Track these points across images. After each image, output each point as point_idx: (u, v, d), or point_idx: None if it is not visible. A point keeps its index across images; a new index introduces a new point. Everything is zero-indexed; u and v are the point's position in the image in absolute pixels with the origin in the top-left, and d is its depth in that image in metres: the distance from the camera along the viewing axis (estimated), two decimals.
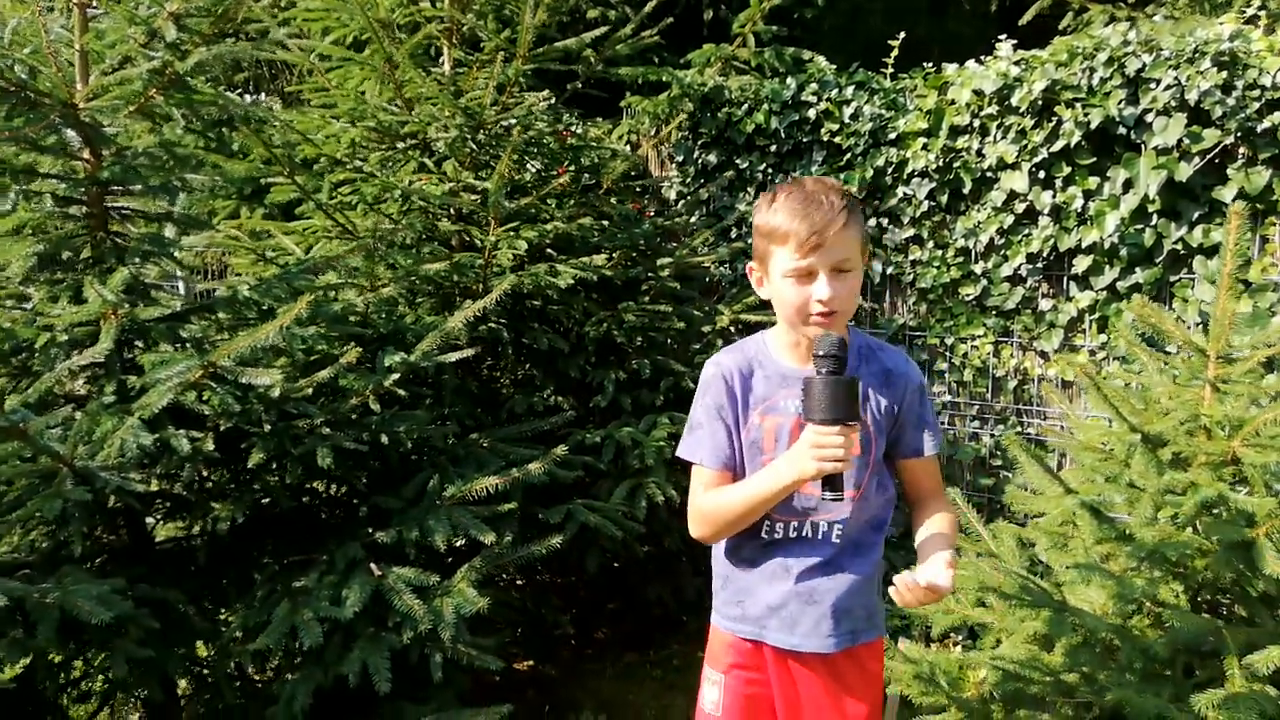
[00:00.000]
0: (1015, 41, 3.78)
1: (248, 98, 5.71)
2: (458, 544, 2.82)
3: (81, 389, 2.62)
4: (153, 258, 2.78)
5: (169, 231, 2.88)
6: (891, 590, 1.58)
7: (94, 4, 2.76)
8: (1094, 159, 3.49)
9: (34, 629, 2.02)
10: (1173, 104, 3.30)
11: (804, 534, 1.76)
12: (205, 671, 2.64)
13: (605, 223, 3.78)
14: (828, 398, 1.56)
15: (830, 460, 1.56)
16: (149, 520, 2.79)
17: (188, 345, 2.56)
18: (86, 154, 2.63)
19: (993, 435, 3.88)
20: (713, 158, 4.42)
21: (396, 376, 2.71)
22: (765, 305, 3.63)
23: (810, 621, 1.76)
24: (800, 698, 1.80)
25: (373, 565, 2.52)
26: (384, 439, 2.71)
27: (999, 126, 3.68)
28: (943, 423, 4.02)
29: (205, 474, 2.73)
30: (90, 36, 2.64)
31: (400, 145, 3.74)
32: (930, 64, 3.97)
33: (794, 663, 1.79)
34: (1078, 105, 3.48)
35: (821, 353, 1.58)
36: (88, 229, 2.68)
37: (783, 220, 1.66)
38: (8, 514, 2.24)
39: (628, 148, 4.53)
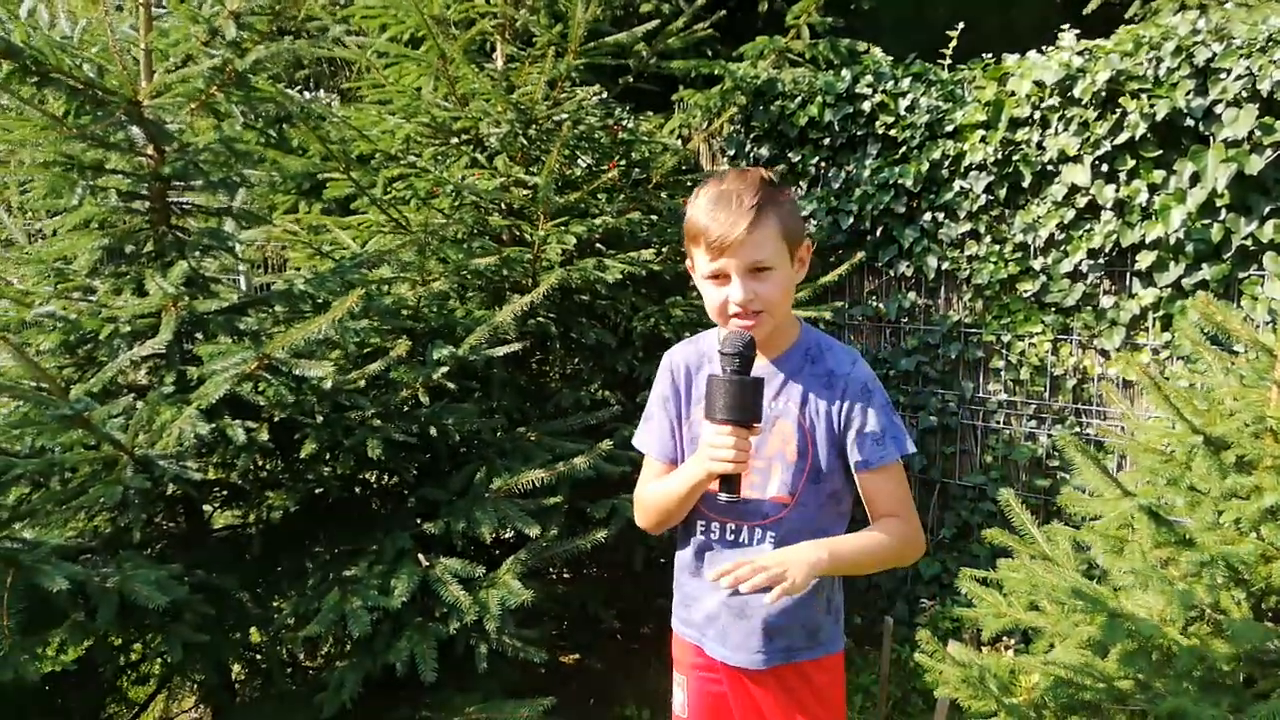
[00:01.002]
0: (1079, 31, 3.67)
1: (308, 94, 5.82)
2: (506, 536, 2.85)
3: (143, 379, 2.70)
4: (212, 251, 2.85)
5: (229, 226, 2.95)
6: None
7: (159, 4, 2.84)
8: (1159, 152, 3.38)
9: (94, 612, 2.08)
10: (1244, 95, 3.18)
11: (739, 540, 1.71)
12: (258, 657, 2.71)
13: (654, 217, 3.77)
14: (724, 398, 1.53)
15: (721, 461, 1.53)
16: (207, 508, 2.87)
17: (245, 337, 2.62)
18: (150, 150, 2.70)
19: (1050, 435, 3.79)
20: (765, 151, 4.38)
21: (445, 370, 2.74)
22: (815, 300, 3.60)
23: (740, 635, 1.74)
24: (750, 704, 1.79)
25: (420, 556, 2.55)
26: (433, 431, 2.74)
27: (1060, 118, 3.58)
28: (998, 421, 3.93)
29: (260, 463, 2.80)
30: (154, 35, 2.71)
31: (453, 140, 3.78)
32: (990, 55, 3.88)
33: (739, 673, 1.78)
34: (1143, 96, 3.37)
35: (727, 350, 1.55)
36: (150, 223, 2.76)
37: (696, 218, 1.62)
38: (71, 500, 2.32)
39: (679, 142, 4.51)
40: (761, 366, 1.69)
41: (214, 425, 2.36)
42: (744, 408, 1.53)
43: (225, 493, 2.84)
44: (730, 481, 1.57)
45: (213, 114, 2.77)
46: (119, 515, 2.48)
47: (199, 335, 2.70)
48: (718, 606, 1.75)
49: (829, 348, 1.73)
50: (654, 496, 1.75)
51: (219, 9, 2.68)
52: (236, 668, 2.81)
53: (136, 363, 2.56)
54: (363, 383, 2.63)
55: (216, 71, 2.63)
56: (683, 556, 1.81)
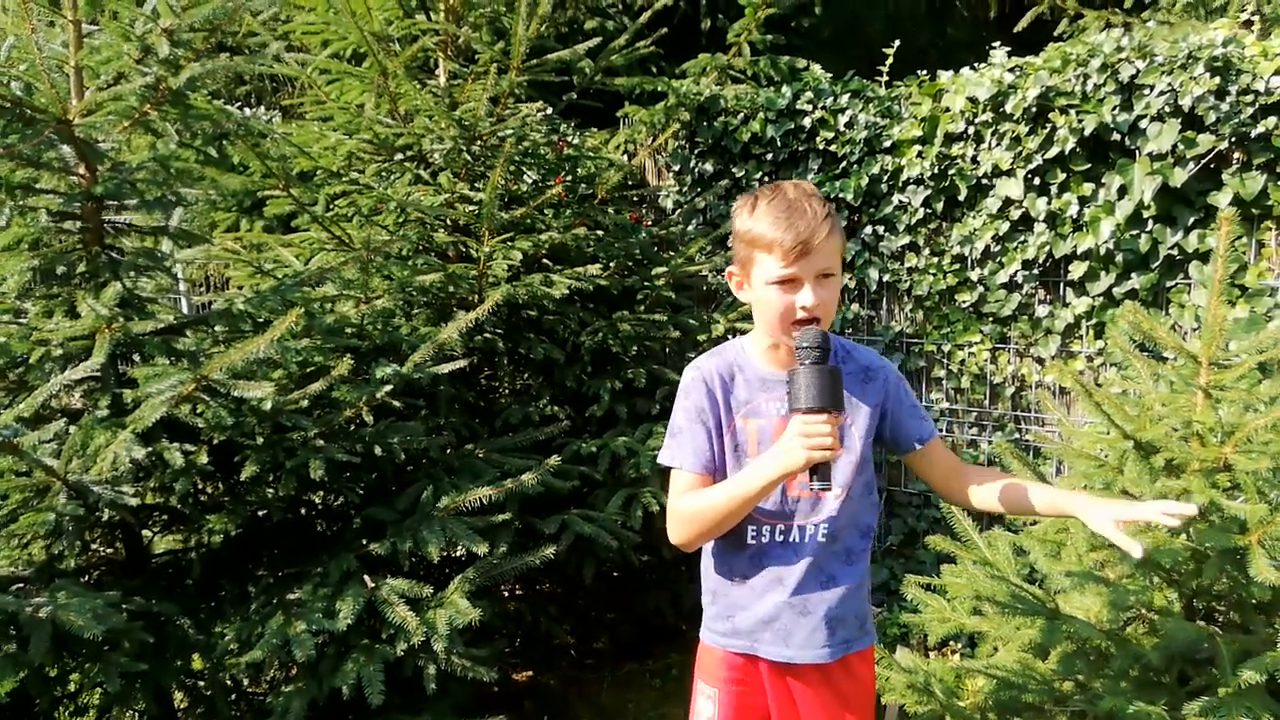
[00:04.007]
0: (1010, 49, 3.78)
1: (249, 111, 5.75)
2: (457, 554, 2.83)
3: (77, 403, 2.63)
4: (148, 271, 2.80)
5: (165, 245, 2.89)
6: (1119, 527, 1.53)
7: (91, 21, 2.79)
8: (1088, 165, 3.48)
9: (27, 643, 2.02)
10: (1167, 110, 3.30)
11: (790, 539, 1.75)
12: (201, 684, 2.64)
13: (601, 233, 3.78)
14: (814, 386, 1.56)
15: (819, 448, 1.54)
16: (146, 534, 2.80)
17: (182, 359, 2.57)
18: (82, 169, 2.65)
19: (990, 442, 3.87)
20: (709, 166, 4.42)
21: (390, 388, 2.71)
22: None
23: (804, 633, 1.76)
24: (797, 710, 1.80)
25: (366, 577, 2.52)
26: (378, 450, 2.72)
27: (993, 133, 3.68)
28: (941, 430, 4.01)
29: (200, 487, 2.74)
30: (85, 53, 2.66)
31: (396, 157, 3.76)
32: (926, 71, 3.97)
33: (789, 675, 1.80)
34: (1072, 112, 3.48)
35: (806, 344, 1.59)
36: (83, 243, 2.70)
37: (766, 228, 1.67)
38: (2, 528, 2.25)
39: (625, 157, 4.54)
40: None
41: (151, 449, 2.31)
42: (832, 395, 1.57)
43: (165, 517, 2.78)
44: (821, 470, 1.57)
45: (148, 132, 2.72)
46: (53, 543, 2.41)
47: (135, 357, 2.64)
48: (776, 608, 1.76)
49: (853, 347, 1.85)
50: (708, 505, 1.71)
51: (152, 26, 2.64)
52: (179, 696, 2.74)
53: (69, 386, 2.49)
54: (305, 403, 2.59)
55: (150, 89, 2.59)
56: (727, 566, 1.81)
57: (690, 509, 1.74)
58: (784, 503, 1.74)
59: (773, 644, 1.78)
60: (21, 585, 2.34)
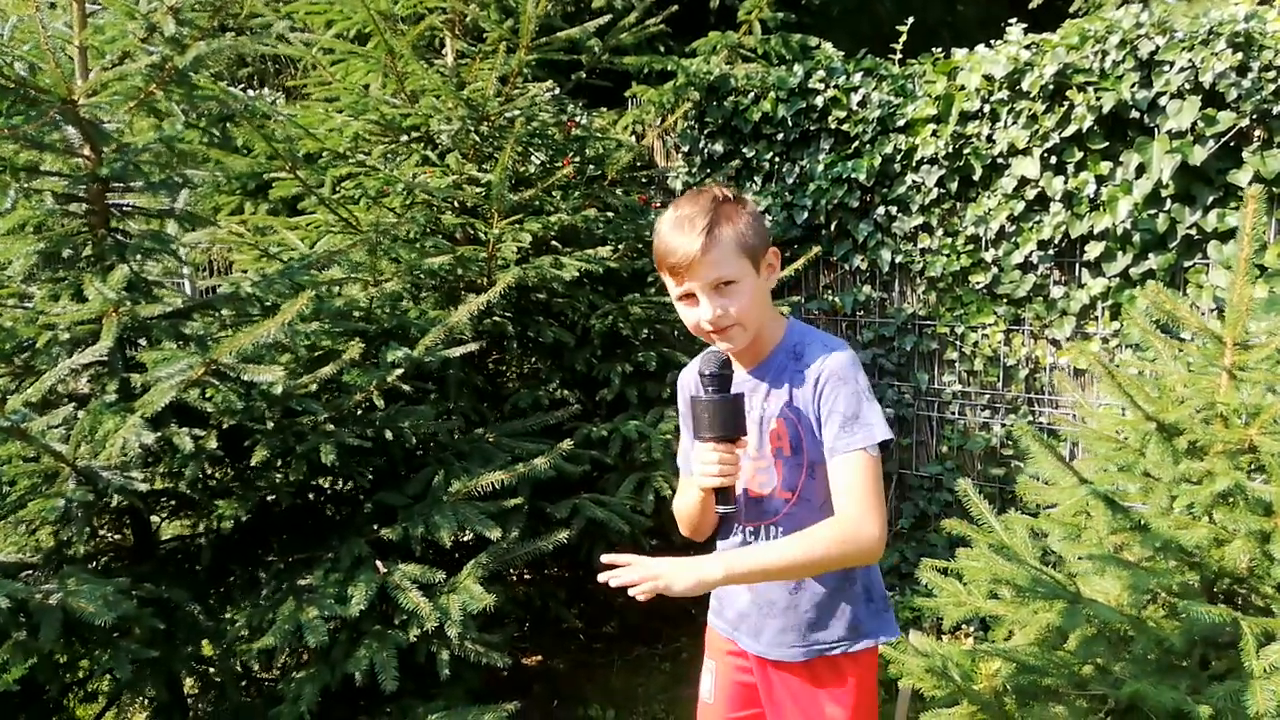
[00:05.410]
0: (1026, 25, 3.72)
1: (252, 93, 5.69)
2: (466, 539, 2.80)
3: (85, 388, 2.61)
4: (155, 255, 2.76)
5: (171, 228, 2.86)
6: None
7: (94, 0, 2.74)
8: (1106, 144, 3.43)
9: (37, 630, 2.01)
10: (1186, 86, 3.24)
11: (758, 539, 1.76)
12: (211, 670, 2.63)
13: (610, 214, 3.74)
14: (707, 418, 1.62)
15: (711, 476, 1.62)
16: (154, 519, 2.78)
17: (190, 343, 2.54)
18: (87, 150, 2.61)
19: (1004, 425, 3.84)
20: (719, 147, 4.37)
21: (400, 372, 2.69)
22: (771, 295, 3.60)
23: (772, 632, 1.78)
24: (778, 697, 1.82)
25: (378, 562, 2.50)
26: (388, 435, 2.69)
27: (1009, 112, 3.62)
28: (953, 412, 3.97)
29: (209, 472, 2.72)
30: (89, 32, 2.62)
31: (403, 138, 3.71)
32: (940, 49, 3.91)
33: (770, 665, 1.82)
34: (1089, 89, 3.42)
35: (706, 373, 1.64)
36: (89, 226, 2.66)
37: (658, 245, 1.69)
38: (11, 514, 2.24)
39: (634, 138, 4.49)
40: (741, 380, 1.73)
41: (159, 434, 2.29)
42: (725, 425, 1.62)
43: (173, 503, 2.76)
44: (724, 493, 1.65)
45: (153, 113, 2.69)
46: (61, 529, 2.39)
47: (142, 341, 2.61)
48: (747, 605, 1.80)
49: (811, 342, 1.73)
50: (678, 509, 1.86)
51: (157, 4, 2.60)
52: (189, 682, 2.73)
53: (77, 371, 2.46)
54: (314, 387, 2.57)
55: (155, 69, 2.55)
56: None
57: (675, 509, 1.89)
58: (760, 504, 1.75)
59: (748, 637, 1.83)
60: (30, 572, 2.32)
